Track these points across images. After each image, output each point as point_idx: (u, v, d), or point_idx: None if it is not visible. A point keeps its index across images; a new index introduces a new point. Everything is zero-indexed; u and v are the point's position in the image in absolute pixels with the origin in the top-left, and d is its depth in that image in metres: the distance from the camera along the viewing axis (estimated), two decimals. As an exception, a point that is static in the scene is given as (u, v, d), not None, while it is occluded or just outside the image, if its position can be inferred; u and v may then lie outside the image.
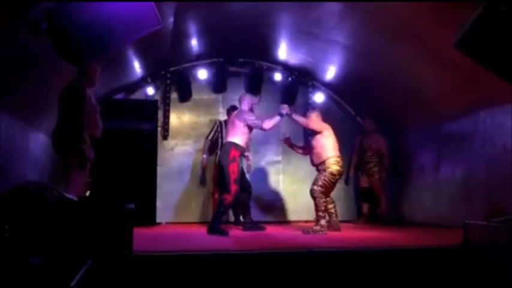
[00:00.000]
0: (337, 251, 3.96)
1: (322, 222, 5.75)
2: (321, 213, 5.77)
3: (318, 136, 6.05)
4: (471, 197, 6.04)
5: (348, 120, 8.40)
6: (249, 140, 6.21)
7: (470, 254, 3.82)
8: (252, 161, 7.21)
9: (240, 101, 6.21)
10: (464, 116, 6.26)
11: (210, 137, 7.17)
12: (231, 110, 7.08)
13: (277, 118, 5.97)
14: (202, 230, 6.35)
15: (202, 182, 7.46)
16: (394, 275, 3.69)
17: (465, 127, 6.28)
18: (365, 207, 7.75)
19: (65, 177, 4.30)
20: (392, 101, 7.45)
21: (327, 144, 6.00)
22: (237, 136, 5.84)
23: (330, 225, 6.07)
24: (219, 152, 6.97)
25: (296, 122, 6.16)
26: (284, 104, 6.22)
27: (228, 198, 5.69)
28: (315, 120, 6.15)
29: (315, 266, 3.60)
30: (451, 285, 3.70)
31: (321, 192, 5.82)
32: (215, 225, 5.59)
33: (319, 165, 5.99)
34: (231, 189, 5.67)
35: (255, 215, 7.02)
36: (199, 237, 5.46)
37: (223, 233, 5.50)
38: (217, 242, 4.80)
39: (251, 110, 6.11)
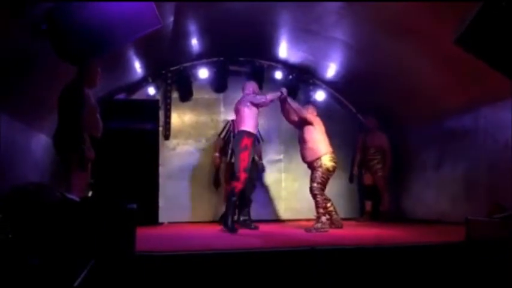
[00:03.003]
0: (340, 249, 3.95)
1: (323, 219, 5.72)
2: (321, 210, 5.75)
3: (311, 128, 5.93)
4: (473, 193, 6.04)
5: (349, 118, 8.40)
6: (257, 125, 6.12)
7: (473, 250, 3.82)
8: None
9: (243, 88, 6.23)
10: (465, 112, 6.25)
11: (222, 136, 7.20)
12: None
13: (277, 93, 6.05)
14: (205, 229, 6.37)
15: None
16: (396, 272, 3.68)
17: (467, 123, 6.27)
18: (368, 205, 7.74)
19: (66, 178, 4.30)
20: (393, 97, 7.44)
21: (320, 139, 5.92)
22: (246, 122, 5.87)
23: (332, 223, 6.05)
24: (230, 150, 7.01)
25: (290, 106, 6.09)
26: (283, 88, 6.21)
27: (238, 185, 5.73)
28: (308, 111, 6.07)
29: (318, 263, 3.59)
30: (454, 281, 3.69)
31: (321, 189, 5.80)
32: (227, 222, 5.62)
33: (313, 162, 5.89)
34: (240, 177, 5.72)
35: (258, 213, 7.03)
36: (201, 236, 5.46)
37: (234, 230, 5.56)
38: (219, 242, 4.80)
39: (255, 93, 6.09)
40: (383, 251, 3.93)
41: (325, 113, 8.21)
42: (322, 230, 5.61)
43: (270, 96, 6.02)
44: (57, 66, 4.22)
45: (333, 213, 6.16)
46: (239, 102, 6.05)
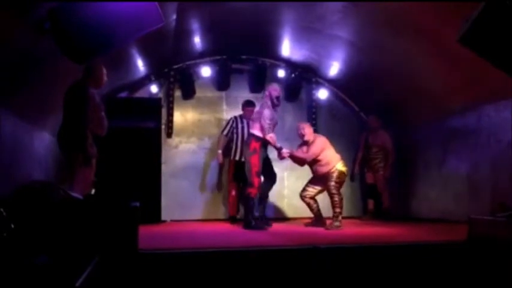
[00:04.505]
0: (342, 247, 3.96)
1: (340, 217, 5.92)
2: (338, 210, 5.92)
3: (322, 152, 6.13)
4: (476, 192, 6.03)
5: (351, 116, 8.39)
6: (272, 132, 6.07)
7: (475, 249, 3.81)
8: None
9: (265, 92, 6.22)
10: (469, 111, 6.23)
11: (225, 133, 7.18)
12: (246, 105, 7.15)
13: (277, 146, 6.04)
14: (208, 227, 6.38)
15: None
16: (398, 271, 3.68)
17: (470, 122, 6.25)
18: (370, 204, 7.74)
19: (70, 176, 4.33)
20: (396, 96, 7.43)
21: (329, 153, 6.14)
22: (257, 128, 5.91)
23: (316, 222, 6.26)
24: (233, 147, 7.01)
25: (296, 158, 6.26)
26: (286, 152, 6.15)
27: (253, 191, 5.80)
28: (315, 146, 6.12)
29: (321, 261, 3.60)
30: (457, 280, 3.69)
31: (337, 189, 5.99)
32: (249, 221, 5.74)
33: (328, 172, 6.07)
34: (253, 182, 5.78)
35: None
36: (204, 234, 5.47)
37: (260, 227, 5.66)
38: (222, 239, 4.81)
39: (273, 102, 5.98)
40: (385, 249, 3.94)
41: (328, 112, 8.29)
42: (341, 228, 5.80)
43: (270, 138, 5.88)
44: (60, 65, 4.24)
45: (317, 212, 6.33)
46: (257, 111, 6.10)
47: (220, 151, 7.19)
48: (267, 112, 5.86)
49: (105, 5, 3.61)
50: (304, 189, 6.38)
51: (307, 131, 6.22)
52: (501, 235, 3.68)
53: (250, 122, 6.13)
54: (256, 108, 6.45)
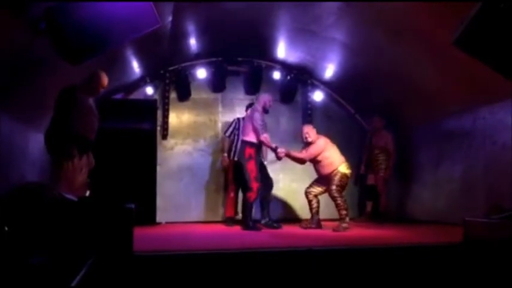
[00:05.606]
0: (337, 249, 3.96)
1: (347, 219, 5.95)
2: (344, 212, 5.94)
3: (322, 152, 6.14)
4: (471, 193, 6.05)
5: (347, 118, 8.40)
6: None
7: (471, 251, 3.82)
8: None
9: (256, 99, 6.48)
10: (464, 113, 6.26)
11: (227, 134, 7.16)
12: (250, 107, 7.11)
13: (272, 146, 6.16)
14: (202, 229, 6.37)
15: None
16: (393, 273, 3.69)
17: (465, 124, 6.27)
18: (369, 206, 7.70)
19: (55, 176, 4.36)
20: (392, 98, 7.44)
21: (334, 153, 6.15)
22: (250, 134, 6.12)
23: (312, 223, 6.26)
24: (233, 148, 7.04)
25: (295, 158, 6.28)
26: (282, 151, 6.19)
27: (252, 195, 5.98)
28: (314, 146, 6.15)
29: (315, 264, 3.60)
30: (452, 282, 3.70)
31: (339, 191, 6.00)
32: (248, 223, 5.93)
33: (331, 173, 6.08)
34: (252, 187, 5.94)
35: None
36: (199, 236, 5.46)
37: (257, 229, 5.85)
38: (217, 242, 4.80)
39: (264, 109, 6.25)
40: (381, 251, 3.94)
41: (323, 114, 8.29)
42: (348, 229, 5.79)
43: (264, 138, 6.06)
44: (57, 66, 4.22)
45: (315, 213, 6.32)
46: (248, 115, 6.35)
47: (226, 154, 7.13)
48: (257, 115, 6.11)
49: (101, 6, 3.61)
50: (310, 186, 6.36)
51: (311, 133, 6.25)
52: (496, 237, 3.70)
53: (244, 127, 6.28)
54: (248, 113, 6.60)
